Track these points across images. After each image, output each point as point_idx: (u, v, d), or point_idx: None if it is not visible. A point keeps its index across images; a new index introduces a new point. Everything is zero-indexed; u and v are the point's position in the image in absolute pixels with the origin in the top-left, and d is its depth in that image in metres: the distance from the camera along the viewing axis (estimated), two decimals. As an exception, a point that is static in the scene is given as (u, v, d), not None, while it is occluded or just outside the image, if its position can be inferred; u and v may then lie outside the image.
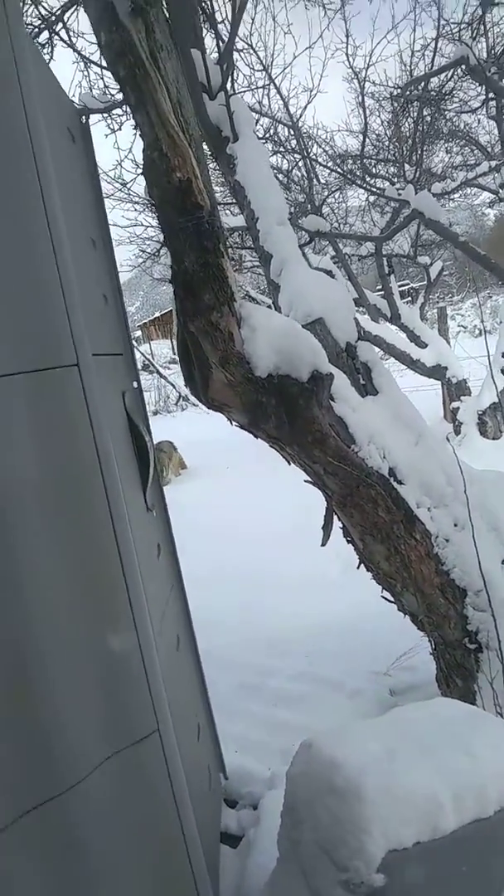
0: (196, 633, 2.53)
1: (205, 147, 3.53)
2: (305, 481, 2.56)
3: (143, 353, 17.84)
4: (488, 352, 3.52)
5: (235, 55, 5.40)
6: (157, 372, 16.06)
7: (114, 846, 1.42)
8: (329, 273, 8.53)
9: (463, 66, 4.48)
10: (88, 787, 1.36)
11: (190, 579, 2.46)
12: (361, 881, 1.52)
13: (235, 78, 5.51)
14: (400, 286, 14.18)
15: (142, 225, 8.71)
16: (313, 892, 1.67)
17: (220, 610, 4.13)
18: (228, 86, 3.28)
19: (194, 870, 1.59)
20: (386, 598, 2.71)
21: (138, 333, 30.64)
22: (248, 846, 2.21)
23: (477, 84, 6.65)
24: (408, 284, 16.70)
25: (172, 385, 15.90)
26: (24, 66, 1.39)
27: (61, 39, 4.31)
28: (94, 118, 4.91)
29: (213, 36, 3.76)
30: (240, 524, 6.07)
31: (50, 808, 1.30)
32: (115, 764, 1.43)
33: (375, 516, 2.47)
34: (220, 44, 3.35)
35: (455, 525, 2.61)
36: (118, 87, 2.19)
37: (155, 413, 15.85)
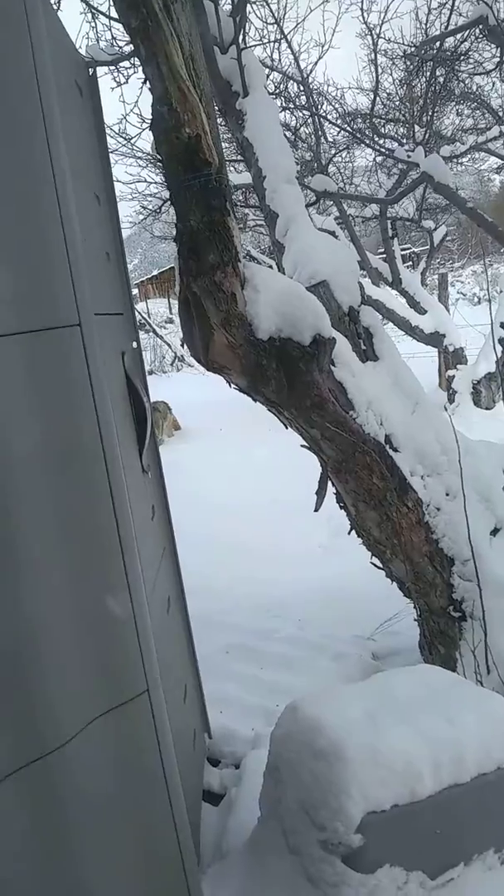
0: (189, 595, 2.56)
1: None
2: (302, 446, 2.56)
3: (139, 312, 17.65)
4: (492, 320, 3.48)
5: (248, 7, 5.26)
6: (154, 331, 15.92)
7: (101, 804, 1.44)
8: (332, 234, 8.44)
9: (481, 27, 4.38)
10: (78, 746, 1.39)
11: (182, 543, 2.47)
12: (339, 841, 1.57)
13: (247, 31, 5.37)
14: (402, 250, 14.04)
15: (144, 181, 8.57)
16: (293, 851, 1.72)
17: (211, 574, 4.16)
18: (240, 39, 3.21)
19: (177, 827, 1.62)
20: (375, 565, 2.75)
21: (135, 291, 30.31)
22: (230, 804, 2.26)
23: (493, 46, 6.50)
24: (410, 249, 16.54)
25: (168, 345, 15.78)
26: (35, 17, 1.35)
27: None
28: (100, 70, 4.79)
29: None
30: (232, 488, 6.10)
31: (39, 766, 1.32)
32: (105, 723, 1.45)
33: (370, 483, 2.49)
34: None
35: (447, 494, 2.63)
36: (127, 39, 2.14)
37: (150, 373, 15.70)
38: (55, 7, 4.67)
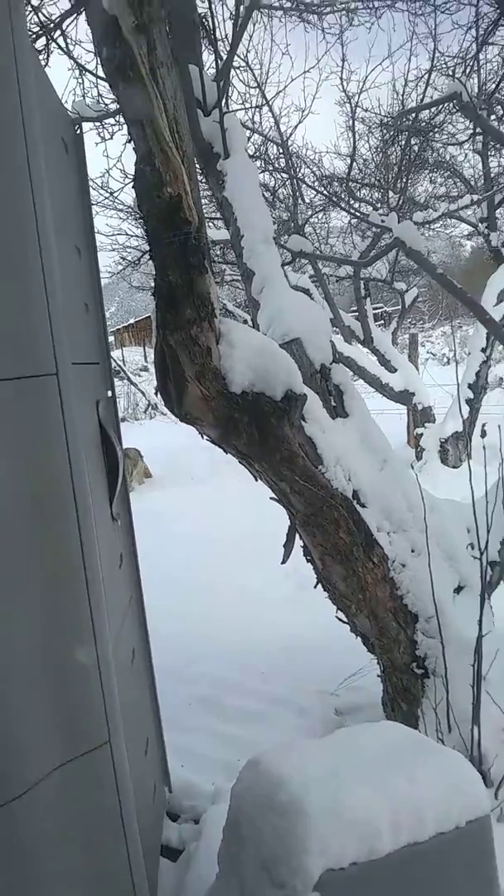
0: (154, 643, 2.54)
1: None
2: (271, 498, 2.59)
3: (114, 360, 17.72)
4: (458, 381, 3.59)
5: (231, 72, 5.47)
6: (128, 379, 16.01)
7: (57, 855, 1.42)
8: (306, 292, 8.62)
9: (454, 101, 4.59)
10: (37, 796, 1.37)
11: (149, 591, 2.47)
12: (297, 898, 1.55)
13: (230, 95, 5.57)
14: (374, 309, 14.35)
15: (125, 234, 8.75)
16: (250, 908, 1.70)
17: (179, 622, 4.14)
18: (223, 103, 3.33)
19: (135, 883, 1.60)
20: (340, 619, 2.76)
21: (112, 339, 30.52)
22: (188, 860, 2.23)
23: (465, 118, 6.80)
24: (382, 308, 16.91)
25: (142, 393, 15.86)
26: (25, 75, 1.41)
27: (59, 47, 4.31)
28: (85, 126, 4.92)
29: (211, 52, 3.82)
30: (200, 537, 6.10)
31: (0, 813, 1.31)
32: (66, 772, 1.44)
33: (336, 537, 2.52)
34: (219, 61, 3.39)
35: (412, 551, 2.66)
36: (113, 97, 2.21)
37: (123, 420, 15.76)
38: (43, 61, 4.81)
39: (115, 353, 20.07)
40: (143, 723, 2.27)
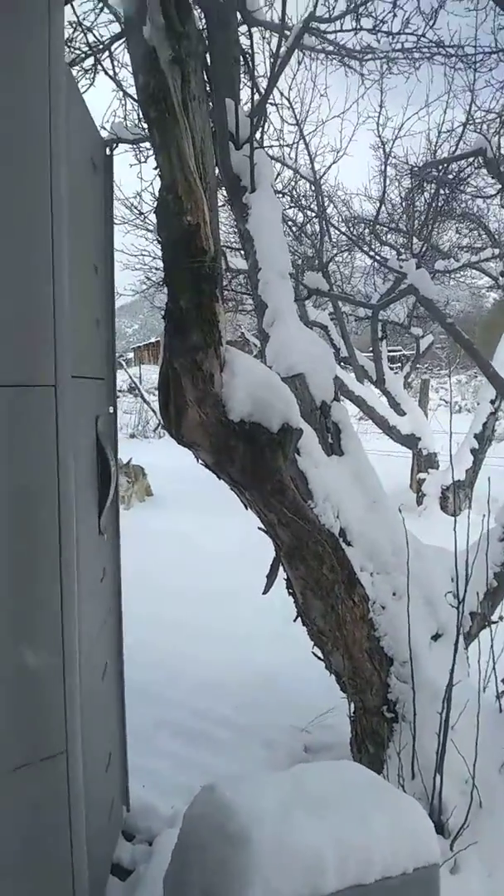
0: (129, 663, 2.56)
1: (221, 190, 3.66)
2: (259, 528, 2.62)
3: (130, 376, 17.91)
4: (451, 430, 3.60)
5: (270, 108, 5.58)
6: (141, 396, 16.13)
7: (1, 860, 1.44)
8: (324, 328, 8.72)
9: (480, 157, 4.67)
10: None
11: (131, 609, 2.49)
12: (236, 929, 1.56)
13: (266, 129, 5.68)
14: (392, 351, 14.43)
15: (150, 256, 8.88)
16: (189, 935, 1.70)
17: (158, 644, 4.15)
18: (259, 136, 3.41)
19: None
20: (316, 655, 2.76)
21: (131, 355, 30.82)
22: (137, 881, 2.22)
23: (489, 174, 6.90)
24: (399, 351, 16.99)
25: (154, 411, 15.97)
26: (57, 96, 1.47)
27: (104, 70, 4.43)
28: (123, 147, 5.02)
29: (250, 87, 3.90)
30: (192, 560, 6.11)
31: None
32: (17, 777, 1.46)
33: (319, 573, 2.54)
34: (255, 98, 3.48)
35: (394, 594, 2.68)
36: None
37: (132, 436, 15.86)
38: (88, 82, 4.94)
39: (133, 370, 20.24)
40: (107, 738, 2.28)
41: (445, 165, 6.65)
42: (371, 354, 8.67)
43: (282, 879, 1.57)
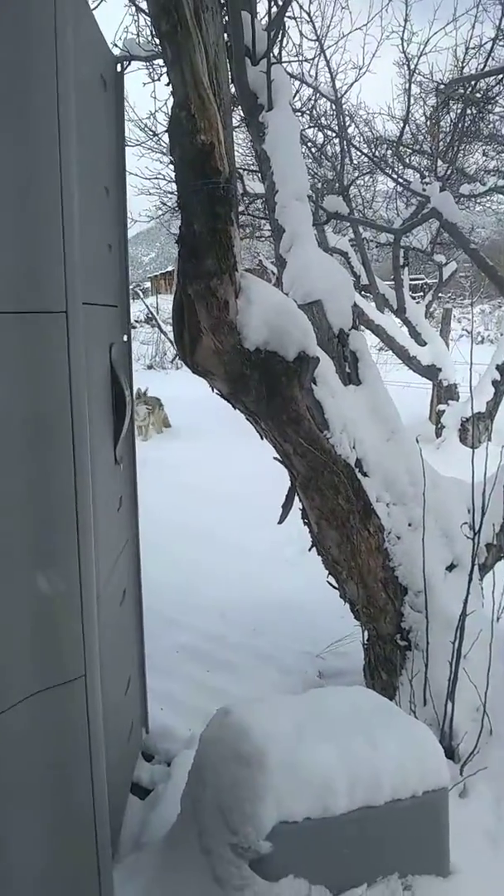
0: (149, 590, 2.59)
1: (238, 110, 3.52)
2: (274, 458, 2.61)
3: (147, 305, 17.71)
4: (471, 361, 3.51)
5: (289, 22, 5.32)
6: (158, 326, 15.96)
7: (22, 781, 1.47)
8: (345, 255, 8.53)
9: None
10: (5, 721, 1.42)
11: (149, 536, 2.51)
12: (249, 846, 1.62)
13: (285, 45, 5.43)
14: (414, 279, 14.14)
15: (166, 179, 8.62)
16: (205, 850, 1.76)
17: (176, 571, 4.20)
18: (277, 52, 3.26)
19: (96, 814, 1.64)
20: (331, 584, 2.79)
21: (148, 284, 30.42)
22: (156, 799, 2.30)
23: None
24: (422, 279, 16.65)
25: (171, 342, 15.83)
26: (64, 11, 1.40)
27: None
28: (136, 65, 4.82)
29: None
30: (211, 489, 6.14)
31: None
32: (37, 702, 1.49)
33: (335, 503, 2.53)
34: (273, 11, 3.31)
35: (409, 525, 2.68)
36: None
37: (150, 367, 15.80)
38: (99, -2, 4.72)
39: (150, 300, 20.03)
40: (126, 662, 2.33)
41: (473, 83, 6.35)
42: (392, 283, 8.48)
43: (293, 799, 1.62)
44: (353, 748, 1.72)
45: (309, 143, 7.85)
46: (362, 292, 8.76)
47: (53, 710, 1.53)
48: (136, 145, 7.50)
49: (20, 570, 1.42)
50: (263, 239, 10.92)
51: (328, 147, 7.92)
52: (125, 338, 2.36)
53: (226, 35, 3.07)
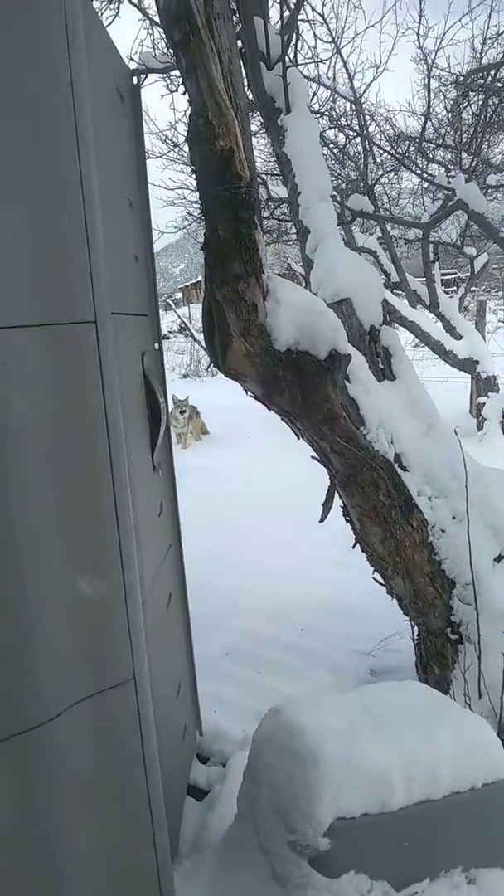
0: (196, 594, 2.60)
1: (257, 116, 3.54)
2: (312, 457, 2.61)
3: (179, 316, 17.84)
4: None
5: (303, 25, 5.34)
6: (192, 336, 16.06)
7: (78, 783, 1.49)
8: (373, 253, 8.49)
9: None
10: (62, 725, 1.44)
11: (193, 542, 2.52)
12: (307, 843, 1.61)
13: (300, 48, 5.45)
14: (446, 274, 14.01)
15: (189, 189, 8.68)
16: (263, 850, 1.76)
17: (222, 575, 4.22)
18: (292, 55, 3.27)
19: (153, 817, 1.66)
20: (377, 580, 2.77)
21: (179, 295, 30.64)
22: (213, 801, 2.31)
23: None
24: (454, 274, 16.49)
25: (205, 350, 15.91)
26: (75, 25, 1.43)
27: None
28: (153, 77, 4.89)
29: (279, 3, 3.73)
30: (252, 493, 6.15)
31: (22, 739, 1.38)
32: (90, 705, 1.51)
33: (376, 499, 2.52)
34: (286, 14, 3.33)
35: (453, 518, 2.65)
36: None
37: (185, 376, 15.89)
38: (113, 12, 4.80)
39: (182, 310, 20.16)
40: (176, 666, 2.35)
41: (493, 72, 6.29)
42: (423, 279, 8.42)
43: (350, 795, 1.61)
44: (408, 742, 1.70)
45: (331, 144, 7.84)
46: (394, 290, 8.70)
47: (105, 714, 1.55)
48: (158, 157, 7.58)
49: (65, 578, 1.45)
50: (290, 242, 10.93)
51: (350, 147, 7.91)
52: (156, 346, 2.38)
53: (239, 41, 3.10)
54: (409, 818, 1.65)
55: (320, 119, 7.23)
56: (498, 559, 2.71)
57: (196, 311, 21.20)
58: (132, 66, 2.78)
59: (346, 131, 7.75)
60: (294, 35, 3.74)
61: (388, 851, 1.66)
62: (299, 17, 3.72)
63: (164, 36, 5.12)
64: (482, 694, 2.44)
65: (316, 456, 2.57)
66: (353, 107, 7.10)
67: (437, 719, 1.81)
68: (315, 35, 6.93)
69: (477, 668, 2.44)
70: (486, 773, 1.75)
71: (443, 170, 7.51)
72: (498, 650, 2.41)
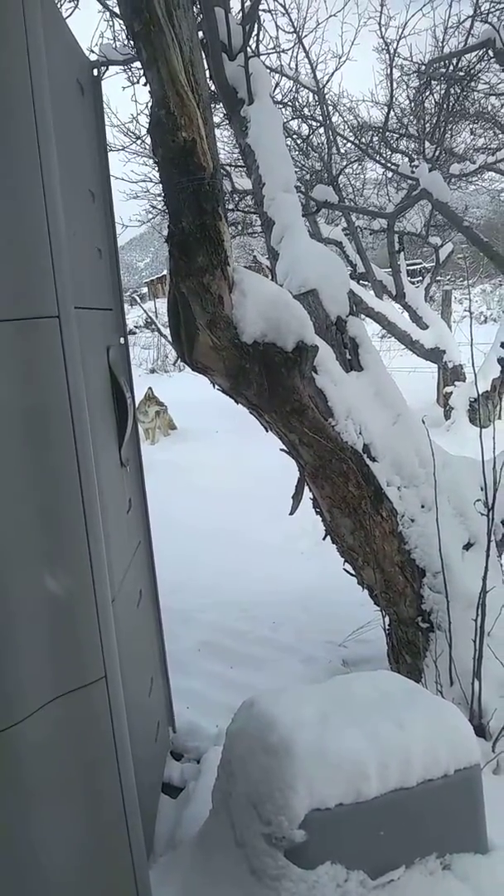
0: (167, 590, 2.59)
1: (219, 107, 3.51)
2: (281, 450, 2.60)
3: (145, 311, 17.71)
4: (471, 340, 3.50)
5: (265, 15, 5.30)
6: (158, 330, 15.95)
7: (51, 787, 1.47)
8: (339, 244, 8.51)
9: (489, 48, 4.43)
10: (32, 727, 1.42)
11: (164, 537, 2.51)
12: (283, 836, 1.61)
13: (262, 39, 5.43)
14: (411, 265, 14.09)
15: (153, 181, 8.60)
16: (239, 843, 1.76)
17: (195, 570, 4.22)
18: (254, 46, 3.25)
19: (128, 815, 1.64)
20: (347, 571, 2.78)
21: (145, 290, 30.45)
22: (188, 797, 2.30)
23: (500, 65, 6.55)
24: (419, 264, 16.58)
25: (171, 344, 15.81)
26: (33, 17, 1.40)
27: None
28: (114, 69, 4.83)
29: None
30: (221, 488, 6.14)
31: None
32: (60, 706, 1.49)
33: (345, 490, 2.53)
34: (246, 4, 3.31)
35: (422, 507, 2.67)
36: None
37: (152, 371, 15.81)
38: (72, 5, 4.73)
39: (148, 305, 20.03)
40: (147, 663, 2.33)
41: (454, 61, 6.32)
42: (389, 269, 8.45)
43: (324, 785, 1.61)
44: (381, 731, 1.71)
45: (294, 135, 7.83)
46: (360, 281, 8.73)
47: (76, 714, 1.53)
48: (121, 150, 7.50)
49: (32, 576, 1.42)
50: (256, 235, 10.91)
51: (314, 137, 7.90)
52: (122, 340, 2.36)
53: (200, 32, 3.07)
54: (384, 806, 1.66)
55: (283, 109, 7.21)
56: (467, 547, 2.73)
57: (162, 305, 21.08)
58: (93, 58, 2.74)
59: (310, 122, 7.74)
60: (256, 25, 3.71)
61: (363, 840, 1.66)
62: (260, 7, 3.70)
63: (124, 27, 5.06)
64: (453, 681, 2.46)
65: (285, 448, 2.56)
66: (317, 97, 7.09)
67: (409, 708, 1.82)
68: (277, 25, 6.91)
69: (448, 656, 2.46)
70: (458, 760, 1.76)
71: (406, 159, 7.53)
72: (468, 637, 2.43)
